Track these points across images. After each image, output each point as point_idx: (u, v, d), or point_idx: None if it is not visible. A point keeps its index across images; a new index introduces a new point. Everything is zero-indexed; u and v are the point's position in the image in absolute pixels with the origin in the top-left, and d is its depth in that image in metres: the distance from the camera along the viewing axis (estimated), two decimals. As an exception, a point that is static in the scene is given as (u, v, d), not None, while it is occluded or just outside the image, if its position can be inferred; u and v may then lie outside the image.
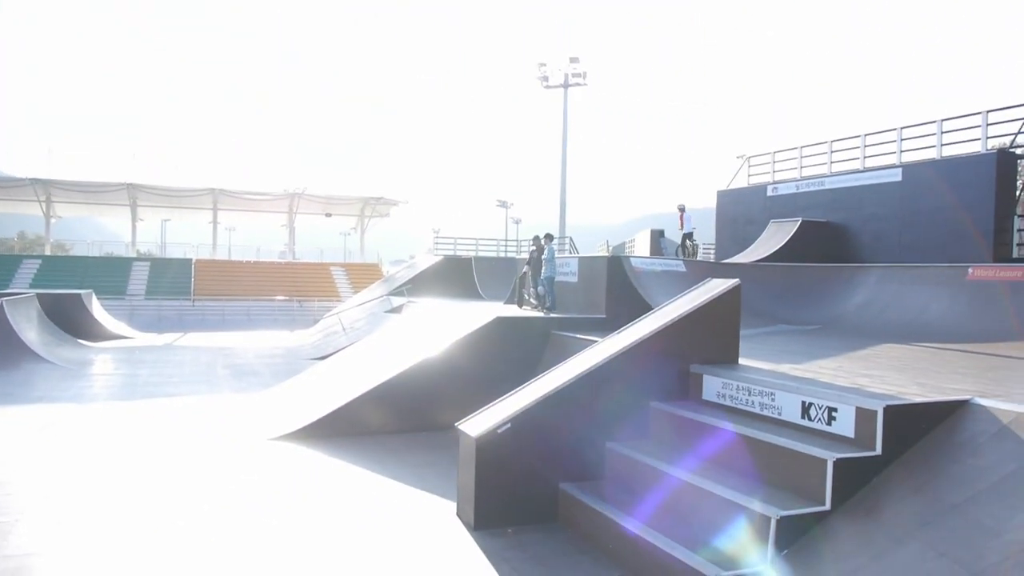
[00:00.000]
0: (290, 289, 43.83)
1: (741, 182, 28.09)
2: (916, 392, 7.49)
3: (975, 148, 19.50)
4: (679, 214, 21.19)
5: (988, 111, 19.28)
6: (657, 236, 27.88)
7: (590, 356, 9.50)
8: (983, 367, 9.82)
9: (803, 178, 25.18)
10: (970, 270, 15.70)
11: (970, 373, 9.15)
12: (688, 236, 20.98)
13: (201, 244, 51.69)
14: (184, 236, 56.09)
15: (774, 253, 20.99)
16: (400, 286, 29.01)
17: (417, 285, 29.06)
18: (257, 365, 21.57)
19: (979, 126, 19.39)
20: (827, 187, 23.22)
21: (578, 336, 12.86)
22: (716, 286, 9.85)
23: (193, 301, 40.63)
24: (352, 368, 15.70)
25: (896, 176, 21.08)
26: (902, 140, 21.41)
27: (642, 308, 13.32)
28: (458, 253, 37.88)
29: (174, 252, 51.28)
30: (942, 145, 20.27)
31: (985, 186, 18.62)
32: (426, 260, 34.02)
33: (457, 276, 30.80)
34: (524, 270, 16.75)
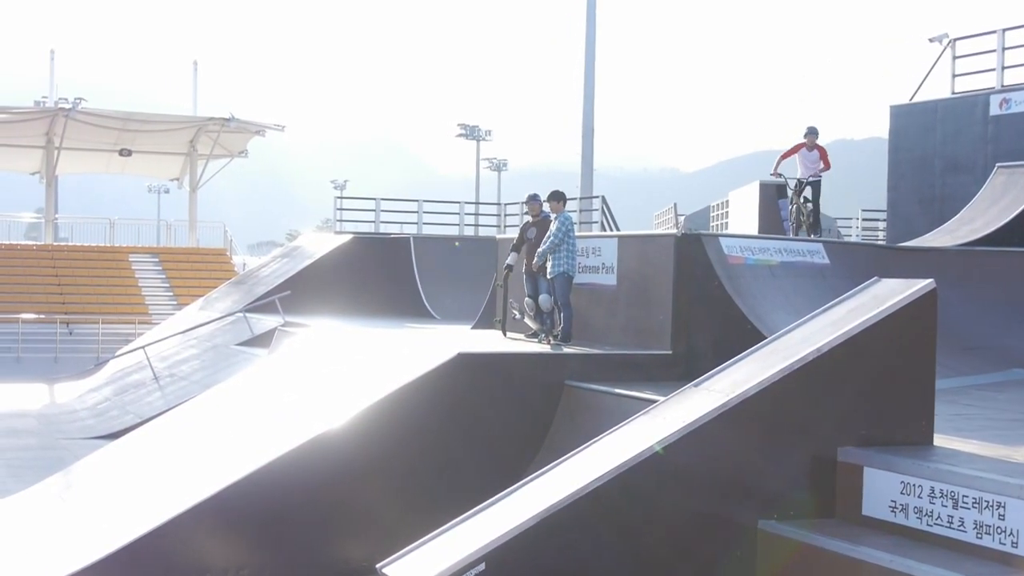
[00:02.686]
0: (50, 298, 43.62)
1: (935, 90, 28.22)
2: None
3: None
4: (802, 143, 20.65)
5: None
6: (772, 195, 27.91)
7: (641, 433, 9.51)
8: None
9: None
10: None
11: None
12: (801, 188, 20.49)
13: None
14: None
15: (1004, 228, 21.14)
16: (269, 293, 28.92)
17: (303, 291, 28.98)
18: (-19, 450, 21.41)
19: None
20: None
21: (617, 391, 12.89)
22: (889, 295, 9.86)
23: None
24: (173, 455, 15.54)
25: None
26: None
27: (743, 337, 13.31)
28: (383, 230, 37.76)
29: None
30: None
31: None
32: (320, 243, 33.85)
33: (381, 274, 30.78)
34: (509, 263, 16.78)
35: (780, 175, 21.02)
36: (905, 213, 27.52)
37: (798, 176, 20.76)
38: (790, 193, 21.07)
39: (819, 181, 20.53)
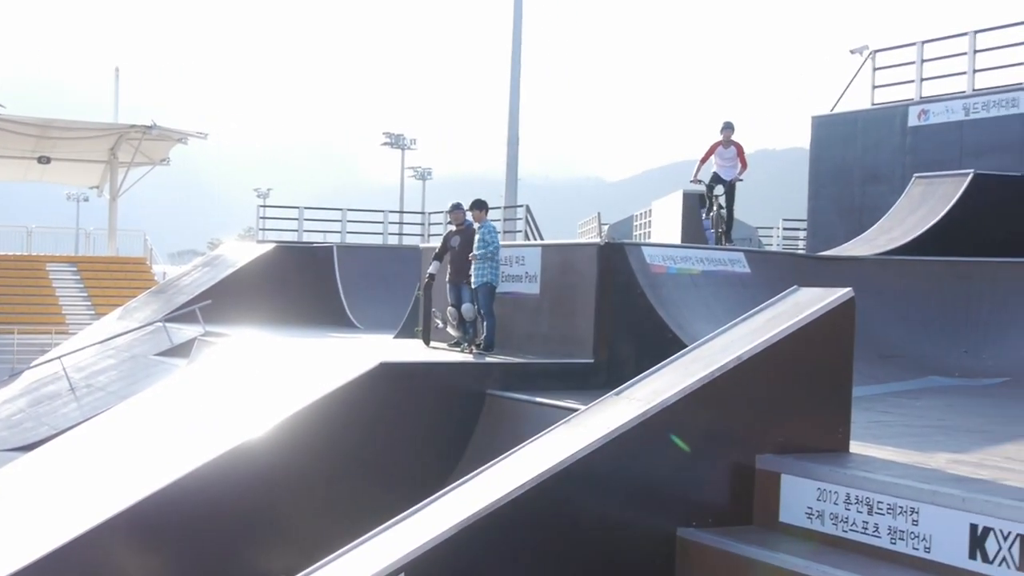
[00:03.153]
0: (-35, 309, 42.96)
1: (856, 102, 28.61)
2: None
3: None
4: (719, 142, 20.16)
5: None
6: (695, 204, 28.12)
7: (562, 442, 9.49)
8: None
9: (978, 92, 25.72)
10: None
11: None
12: (713, 188, 20.02)
13: None
14: None
15: (921, 237, 21.41)
16: (189, 303, 28.66)
17: (225, 301, 28.71)
18: None
19: None
20: (1027, 110, 23.83)
21: (539, 400, 12.91)
22: (808, 303, 9.94)
23: None
24: (90, 467, 15.33)
25: None
26: None
27: (665, 345, 13.39)
28: (307, 238, 37.56)
29: None
30: None
31: None
32: (242, 252, 33.56)
33: (304, 284, 30.54)
34: (431, 271, 16.76)
35: (700, 181, 20.81)
36: (825, 222, 27.87)
37: (714, 171, 20.15)
38: (705, 195, 20.59)
39: (734, 185, 20.31)
